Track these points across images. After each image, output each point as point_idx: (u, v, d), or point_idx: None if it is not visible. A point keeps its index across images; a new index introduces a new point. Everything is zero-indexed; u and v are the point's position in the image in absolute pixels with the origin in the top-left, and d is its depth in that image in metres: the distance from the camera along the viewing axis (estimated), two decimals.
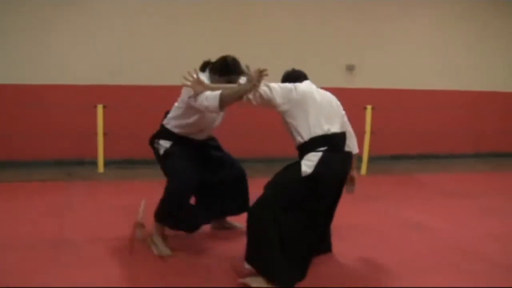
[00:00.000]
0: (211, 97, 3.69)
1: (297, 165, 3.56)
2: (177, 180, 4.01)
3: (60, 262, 3.88)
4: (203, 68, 4.18)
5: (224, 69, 4.00)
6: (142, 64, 7.24)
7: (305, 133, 3.59)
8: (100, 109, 6.58)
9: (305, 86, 3.76)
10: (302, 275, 3.60)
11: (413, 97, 8.53)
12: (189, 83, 3.81)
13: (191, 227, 4.25)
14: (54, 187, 5.99)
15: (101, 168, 6.78)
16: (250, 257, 3.57)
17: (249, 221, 3.56)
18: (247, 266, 3.57)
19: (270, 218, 3.46)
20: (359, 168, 7.44)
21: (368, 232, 4.68)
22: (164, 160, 4.18)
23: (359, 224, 5.01)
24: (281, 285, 3.43)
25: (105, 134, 6.62)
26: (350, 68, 8.23)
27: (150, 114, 7.17)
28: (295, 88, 3.68)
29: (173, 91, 7.25)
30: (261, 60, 7.93)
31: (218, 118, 4.24)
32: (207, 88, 3.78)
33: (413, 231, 4.94)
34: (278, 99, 3.63)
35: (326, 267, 3.96)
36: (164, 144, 4.19)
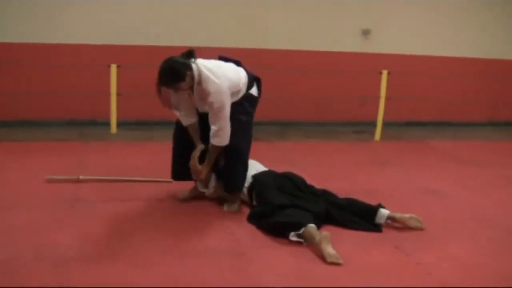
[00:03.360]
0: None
1: None
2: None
3: (75, 221, 3.87)
4: (188, 55, 3.94)
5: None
6: (158, 23, 7.13)
7: None
8: (113, 68, 6.50)
9: None
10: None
11: (428, 64, 8.36)
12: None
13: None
14: (67, 147, 5.95)
15: (114, 128, 6.73)
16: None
17: None
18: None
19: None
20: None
21: (385, 198, 4.59)
22: None
23: (375, 190, 4.96)
24: None
25: (118, 94, 6.55)
26: (366, 33, 8.08)
27: None
28: None
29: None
30: (272, 23, 7.87)
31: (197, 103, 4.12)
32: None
33: (430, 197, 4.91)
34: None
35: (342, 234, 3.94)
36: None
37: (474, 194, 5.09)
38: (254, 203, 4.17)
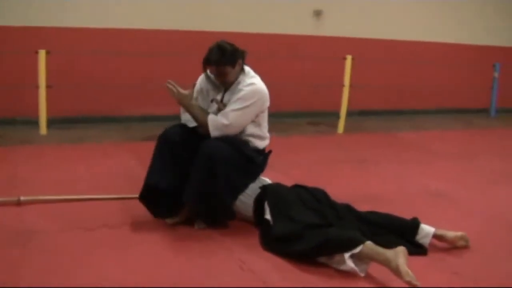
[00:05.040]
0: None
1: None
2: None
3: (35, 266, 2.83)
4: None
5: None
6: (95, 3, 6.08)
7: None
8: (42, 55, 5.33)
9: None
10: None
11: (382, 48, 7.85)
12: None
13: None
14: None
15: (43, 129, 5.52)
16: None
17: None
18: None
19: None
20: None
21: (394, 206, 3.87)
22: None
23: (376, 196, 4.28)
24: None
25: (48, 86, 5.38)
26: (318, 14, 7.38)
27: (102, 61, 5.96)
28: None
29: (133, 35, 6.17)
30: (222, 6, 6.92)
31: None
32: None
33: (438, 199, 4.34)
34: None
35: None
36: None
37: (479, 193, 4.57)
38: (268, 217, 3.29)
